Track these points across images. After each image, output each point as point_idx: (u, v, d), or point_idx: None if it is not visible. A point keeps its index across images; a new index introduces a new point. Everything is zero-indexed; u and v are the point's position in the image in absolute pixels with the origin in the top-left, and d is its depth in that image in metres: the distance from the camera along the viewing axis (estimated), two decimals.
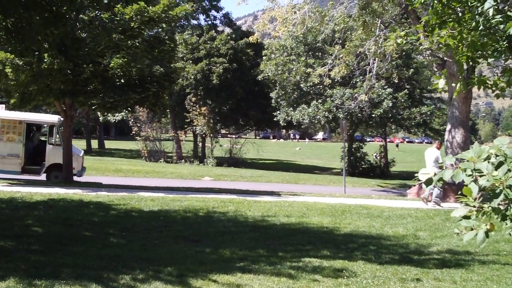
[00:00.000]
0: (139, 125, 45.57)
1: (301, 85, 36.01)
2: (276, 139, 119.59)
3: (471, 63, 7.74)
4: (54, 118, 23.10)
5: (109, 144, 70.75)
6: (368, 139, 69.49)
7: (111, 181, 23.64)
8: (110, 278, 7.58)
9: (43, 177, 22.49)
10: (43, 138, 24.52)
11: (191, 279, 7.75)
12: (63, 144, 22.27)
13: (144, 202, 15.70)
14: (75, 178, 22.49)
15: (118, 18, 19.53)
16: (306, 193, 21.89)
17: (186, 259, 9.09)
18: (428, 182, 3.82)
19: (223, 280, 7.77)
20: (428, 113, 35.90)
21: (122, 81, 21.03)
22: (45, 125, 23.96)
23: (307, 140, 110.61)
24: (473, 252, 10.99)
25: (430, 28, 7.40)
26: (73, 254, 9.04)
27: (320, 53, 37.12)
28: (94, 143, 62.50)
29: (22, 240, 10.04)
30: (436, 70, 21.82)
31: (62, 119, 22.64)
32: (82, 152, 24.50)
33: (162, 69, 23.55)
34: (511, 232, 3.81)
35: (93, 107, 22.37)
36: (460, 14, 7.21)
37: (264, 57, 40.13)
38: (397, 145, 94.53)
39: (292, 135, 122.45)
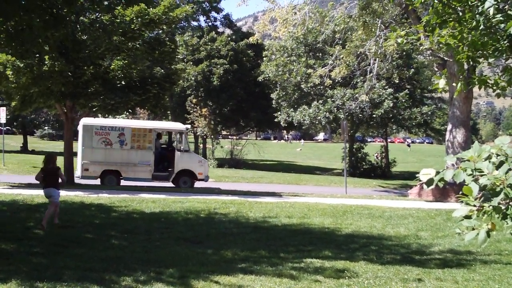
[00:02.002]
0: None
1: (302, 85, 36.00)
2: (277, 140, 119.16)
3: (471, 62, 7.74)
4: (182, 126, 24.24)
5: None
6: (369, 140, 69.57)
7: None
8: (112, 280, 7.58)
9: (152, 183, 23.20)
10: (164, 146, 25.23)
11: (193, 280, 7.75)
12: (190, 150, 23.64)
13: (145, 204, 15.70)
14: (197, 184, 23.50)
15: (118, 20, 19.54)
16: (308, 194, 21.88)
17: (187, 260, 9.09)
18: (429, 182, 3.82)
19: (224, 281, 7.77)
20: (429, 113, 35.87)
21: (123, 83, 21.05)
22: (174, 133, 24.87)
23: (302, 141, 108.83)
24: (475, 251, 10.98)
25: (430, 28, 7.40)
26: (75, 256, 9.04)
27: (320, 54, 37.10)
28: None
29: (24, 242, 10.04)
30: (436, 70, 21.81)
31: (189, 127, 23.40)
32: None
33: (162, 70, 23.56)
34: None
35: (94, 109, 22.39)
36: (460, 14, 7.21)
37: (264, 58, 40.12)
38: (408, 145, 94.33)
39: (285, 136, 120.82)
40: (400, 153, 64.92)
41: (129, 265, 8.52)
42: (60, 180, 12.69)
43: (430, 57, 21.94)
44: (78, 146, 22.91)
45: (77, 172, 22.53)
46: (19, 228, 11.48)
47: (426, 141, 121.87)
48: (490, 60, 7.45)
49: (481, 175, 3.54)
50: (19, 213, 13.37)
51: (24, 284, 7.08)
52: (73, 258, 8.81)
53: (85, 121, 22.85)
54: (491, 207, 3.58)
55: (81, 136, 22.32)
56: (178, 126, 24.57)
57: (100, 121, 24.36)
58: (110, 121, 24.13)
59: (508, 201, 3.53)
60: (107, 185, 21.92)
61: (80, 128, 22.61)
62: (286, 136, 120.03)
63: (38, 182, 13.07)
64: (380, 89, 33.49)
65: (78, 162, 22.69)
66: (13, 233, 10.91)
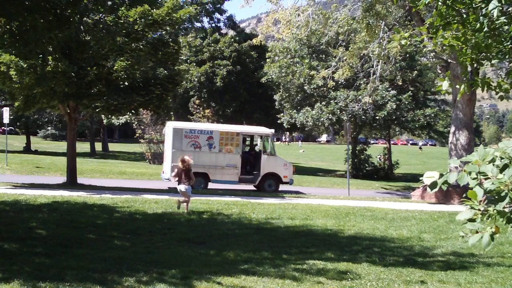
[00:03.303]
0: (143, 127, 45.57)
1: (305, 87, 35.99)
2: (280, 141, 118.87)
3: (475, 65, 7.73)
4: (268, 130, 24.73)
5: (113, 146, 70.85)
6: (372, 142, 69.45)
7: (115, 183, 23.66)
8: (114, 281, 7.59)
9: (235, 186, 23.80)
10: (247, 149, 25.74)
11: (195, 281, 7.76)
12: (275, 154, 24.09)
13: (148, 204, 15.71)
14: (281, 187, 24.14)
15: (122, 21, 19.57)
16: (310, 195, 21.88)
17: (190, 261, 9.09)
18: (432, 185, 3.81)
19: (227, 283, 7.77)
20: (432, 115, 35.78)
21: (126, 83, 21.05)
22: (260, 137, 25.22)
23: (300, 143, 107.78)
24: (478, 254, 10.97)
25: (434, 30, 7.39)
26: (77, 256, 9.05)
27: (324, 56, 37.09)
28: (98, 146, 62.55)
29: (26, 242, 10.05)
30: (440, 72, 21.81)
31: (273, 131, 24.71)
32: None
33: (166, 71, 23.56)
34: None
35: (97, 110, 22.38)
36: (464, 16, 7.20)
37: (267, 60, 40.12)
38: (420, 148, 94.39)
39: (283, 137, 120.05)
40: (403, 155, 64.87)
41: (132, 265, 8.52)
42: (191, 178, 15.25)
43: (434, 59, 21.95)
44: (165, 149, 23.61)
45: (166, 174, 22.93)
46: (22, 228, 11.48)
47: (429, 143, 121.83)
48: (494, 62, 7.44)
49: (485, 179, 3.54)
50: (22, 213, 13.38)
51: (27, 284, 7.10)
52: (75, 258, 8.82)
53: (175, 124, 23.67)
54: (495, 210, 3.58)
55: (171, 139, 22.85)
56: (264, 130, 25.05)
57: (189, 124, 25.32)
58: (199, 125, 25.16)
59: None
60: (196, 188, 22.20)
61: (169, 131, 23.22)
62: (283, 137, 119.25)
63: (174, 179, 15.70)
64: (383, 91, 33.44)
65: (166, 165, 23.23)
66: (16, 233, 10.92)
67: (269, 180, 23.76)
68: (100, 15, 20.01)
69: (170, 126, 23.42)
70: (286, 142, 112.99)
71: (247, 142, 26.25)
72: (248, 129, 25.95)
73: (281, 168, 23.81)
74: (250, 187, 24.28)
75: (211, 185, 23.26)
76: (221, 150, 23.01)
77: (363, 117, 33.76)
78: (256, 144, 26.56)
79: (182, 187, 15.17)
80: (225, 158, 22.97)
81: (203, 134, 23.03)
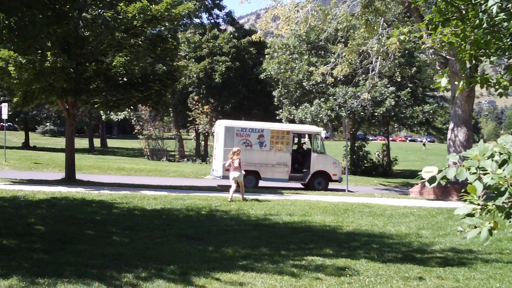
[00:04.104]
0: (141, 123, 45.59)
1: (304, 83, 35.94)
2: None
3: (474, 61, 7.73)
4: (318, 129, 25.01)
5: (111, 142, 70.85)
6: (370, 138, 69.46)
7: (114, 179, 23.67)
8: (113, 277, 7.59)
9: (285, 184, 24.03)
10: (295, 147, 25.87)
11: (194, 277, 7.76)
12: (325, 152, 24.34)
13: (146, 200, 15.71)
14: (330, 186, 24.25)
15: (121, 17, 19.53)
16: (309, 192, 21.89)
17: (188, 257, 9.09)
18: (431, 180, 3.81)
19: (225, 278, 7.78)
20: (431, 111, 35.79)
21: (125, 79, 21.02)
22: (310, 135, 25.46)
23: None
24: (476, 250, 10.99)
25: (433, 26, 7.39)
26: (76, 252, 9.05)
27: (322, 52, 37.01)
28: (97, 142, 62.56)
29: (25, 238, 10.05)
30: (439, 68, 21.80)
31: (325, 130, 24.98)
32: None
33: (164, 67, 23.54)
34: None
35: (95, 106, 22.35)
36: (463, 12, 7.19)
37: (266, 56, 40.07)
38: (424, 144, 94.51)
39: None
40: (402, 151, 64.87)
41: (130, 261, 8.53)
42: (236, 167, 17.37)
43: (433, 56, 21.94)
44: (216, 147, 23.86)
45: (217, 172, 23.24)
46: (20, 224, 11.48)
47: (428, 139, 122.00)
48: (493, 58, 7.43)
49: (484, 174, 3.54)
50: (21, 209, 13.38)
51: (25, 280, 7.10)
52: (74, 254, 8.83)
53: (227, 123, 24.04)
54: (494, 205, 3.58)
55: (223, 137, 23.11)
56: (314, 128, 25.45)
57: (241, 123, 25.54)
58: (250, 124, 25.22)
59: None
60: (246, 185, 22.15)
61: (221, 129, 23.54)
62: None
63: (226, 169, 18.16)
64: (382, 88, 33.41)
65: (216, 162, 23.64)
66: (15, 229, 10.92)
67: (318, 178, 24.00)
68: (99, 10, 19.98)
69: (222, 124, 23.78)
70: None
71: (295, 140, 26.52)
72: (298, 127, 26.22)
73: (330, 166, 24.11)
74: (298, 185, 24.54)
75: (264, 183, 23.48)
76: (271, 148, 23.32)
77: (362, 113, 33.74)
78: (304, 143, 26.73)
79: (235, 174, 17.19)
80: (276, 156, 23.26)
81: (254, 133, 23.39)
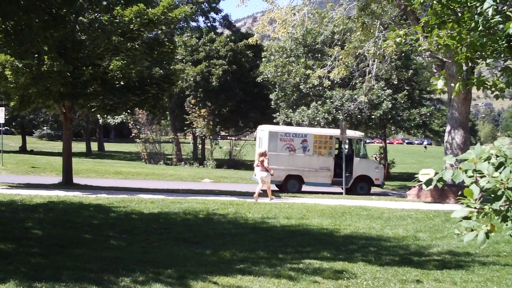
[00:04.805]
0: (138, 127, 45.58)
1: (301, 86, 36.00)
2: None
3: (470, 63, 7.75)
4: (360, 134, 25.86)
5: (109, 146, 70.78)
6: (368, 141, 69.51)
7: (111, 183, 23.63)
8: (110, 281, 7.57)
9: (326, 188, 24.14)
10: (336, 152, 25.99)
11: (192, 281, 7.75)
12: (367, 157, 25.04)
13: (144, 204, 15.69)
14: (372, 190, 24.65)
15: (117, 21, 19.52)
16: (306, 195, 21.88)
17: (186, 261, 9.08)
18: (428, 183, 3.82)
19: (223, 282, 7.76)
20: (428, 114, 35.86)
21: (122, 83, 21.01)
22: (350, 140, 25.65)
23: None
24: (473, 253, 10.99)
25: (429, 29, 7.41)
26: (73, 256, 9.03)
27: (319, 55, 37.09)
28: (94, 146, 62.51)
29: (22, 242, 10.02)
30: (435, 71, 21.86)
31: (363, 134, 25.59)
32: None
33: (161, 71, 23.53)
34: None
35: (92, 110, 22.35)
36: (459, 15, 7.21)
37: (263, 59, 40.09)
38: (425, 147, 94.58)
39: None
40: (399, 154, 64.92)
41: (128, 265, 8.51)
42: (267, 167, 18.75)
43: (429, 58, 21.97)
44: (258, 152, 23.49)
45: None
46: (17, 228, 11.45)
47: (425, 142, 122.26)
48: (489, 61, 7.46)
49: (481, 177, 3.54)
50: (18, 213, 13.34)
51: (23, 285, 7.07)
52: (71, 259, 8.80)
53: (271, 128, 24.46)
54: (491, 209, 3.58)
55: (267, 142, 23.40)
56: (357, 133, 25.85)
57: (285, 128, 26.10)
58: (294, 129, 25.72)
59: (508, 203, 3.53)
60: (289, 190, 23.13)
61: (264, 134, 23.82)
62: None
63: (255, 169, 19.44)
64: (379, 90, 33.48)
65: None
66: (12, 233, 10.89)
67: (361, 182, 24.22)
68: (96, 14, 19.99)
69: (266, 129, 24.06)
70: None
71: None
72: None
73: (373, 171, 24.40)
74: (339, 189, 24.66)
75: (307, 188, 23.68)
76: (314, 153, 23.50)
77: (359, 116, 33.79)
78: (345, 148, 26.92)
79: (263, 174, 18.52)
80: (319, 160, 23.42)
81: (297, 137, 23.68)
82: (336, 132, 25.52)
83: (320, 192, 23.06)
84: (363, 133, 25.79)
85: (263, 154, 18.93)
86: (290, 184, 23.47)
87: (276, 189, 23.74)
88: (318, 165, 23.48)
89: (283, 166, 23.38)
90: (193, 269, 8.45)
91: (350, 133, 26.20)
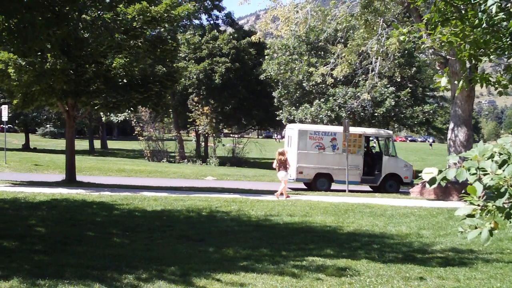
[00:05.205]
0: (141, 125, 45.58)
1: (304, 84, 35.96)
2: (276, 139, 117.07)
3: (473, 61, 7.73)
4: (390, 132, 26.18)
5: (111, 144, 70.84)
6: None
7: (114, 181, 23.67)
8: (114, 278, 7.59)
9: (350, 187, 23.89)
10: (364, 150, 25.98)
11: (195, 278, 7.76)
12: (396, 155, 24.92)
13: (147, 202, 15.71)
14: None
15: (120, 18, 19.51)
16: (309, 192, 21.88)
17: (189, 258, 9.09)
18: (431, 181, 3.82)
19: (226, 279, 7.77)
20: (431, 111, 35.82)
21: (125, 81, 20.99)
22: (377, 138, 26.04)
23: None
24: (477, 250, 10.98)
25: (432, 26, 7.39)
26: (76, 254, 9.05)
27: (322, 52, 37.03)
28: (97, 143, 62.55)
29: (26, 240, 10.05)
30: (438, 68, 21.79)
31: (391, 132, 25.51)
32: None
33: (164, 69, 23.51)
34: None
35: (95, 107, 22.34)
36: (463, 12, 7.19)
37: (266, 57, 40.02)
38: (430, 144, 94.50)
39: (276, 134, 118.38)
40: (402, 151, 64.81)
41: (131, 263, 8.53)
42: (288, 166, 19.52)
43: (432, 56, 21.92)
44: (290, 150, 23.69)
45: (291, 175, 23.03)
46: (21, 226, 11.49)
47: (430, 140, 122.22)
48: (492, 58, 7.44)
49: (484, 174, 3.54)
50: (21, 211, 13.38)
51: (26, 282, 7.09)
52: (74, 256, 8.82)
53: (300, 126, 24.55)
54: (494, 206, 3.58)
55: (296, 140, 23.43)
56: (386, 132, 25.92)
57: (314, 126, 25.85)
58: (323, 127, 25.68)
59: (511, 200, 3.53)
60: (319, 188, 23.17)
61: (294, 133, 23.80)
62: (276, 134, 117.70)
63: (275, 169, 19.71)
64: (382, 88, 33.43)
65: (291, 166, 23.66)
66: (15, 230, 10.92)
67: (390, 180, 24.19)
68: (99, 12, 19.96)
69: (295, 128, 24.03)
70: (277, 140, 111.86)
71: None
72: (370, 130, 26.33)
73: (402, 169, 24.33)
74: (367, 187, 24.97)
75: (336, 186, 23.57)
76: (344, 151, 23.39)
77: (362, 113, 33.76)
78: (373, 146, 27.21)
79: (283, 173, 19.12)
80: (348, 159, 23.25)
81: (327, 136, 23.67)
82: (366, 130, 25.65)
83: (350, 190, 23.04)
84: (391, 132, 25.74)
85: (282, 153, 19.29)
86: (320, 182, 23.46)
87: (305, 187, 24.03)
88: (348, 163, 23.38)
89: (313, 165, 23.42)
90: (196, 266, 8.46)
91: (379, 131, 26.45)
